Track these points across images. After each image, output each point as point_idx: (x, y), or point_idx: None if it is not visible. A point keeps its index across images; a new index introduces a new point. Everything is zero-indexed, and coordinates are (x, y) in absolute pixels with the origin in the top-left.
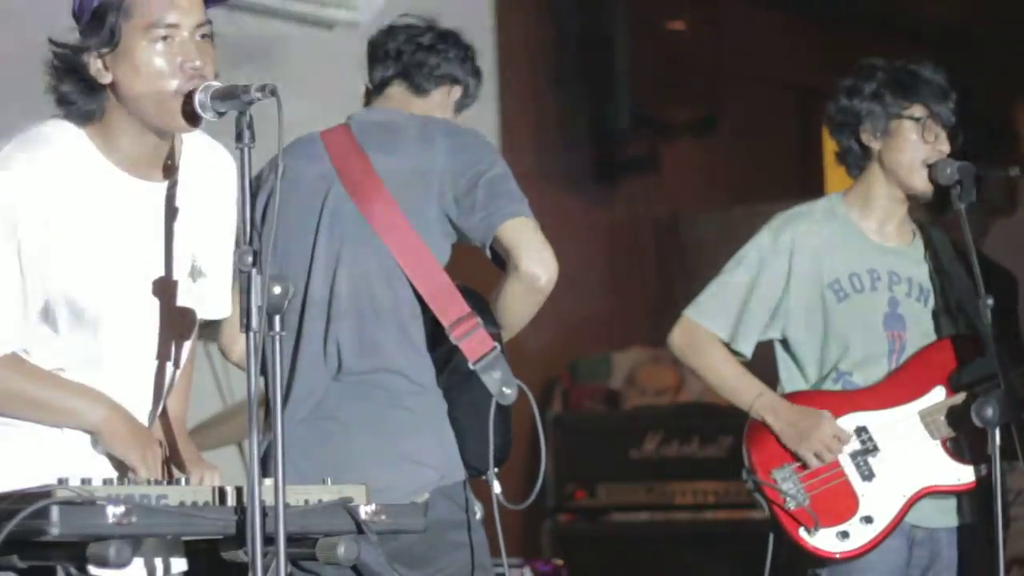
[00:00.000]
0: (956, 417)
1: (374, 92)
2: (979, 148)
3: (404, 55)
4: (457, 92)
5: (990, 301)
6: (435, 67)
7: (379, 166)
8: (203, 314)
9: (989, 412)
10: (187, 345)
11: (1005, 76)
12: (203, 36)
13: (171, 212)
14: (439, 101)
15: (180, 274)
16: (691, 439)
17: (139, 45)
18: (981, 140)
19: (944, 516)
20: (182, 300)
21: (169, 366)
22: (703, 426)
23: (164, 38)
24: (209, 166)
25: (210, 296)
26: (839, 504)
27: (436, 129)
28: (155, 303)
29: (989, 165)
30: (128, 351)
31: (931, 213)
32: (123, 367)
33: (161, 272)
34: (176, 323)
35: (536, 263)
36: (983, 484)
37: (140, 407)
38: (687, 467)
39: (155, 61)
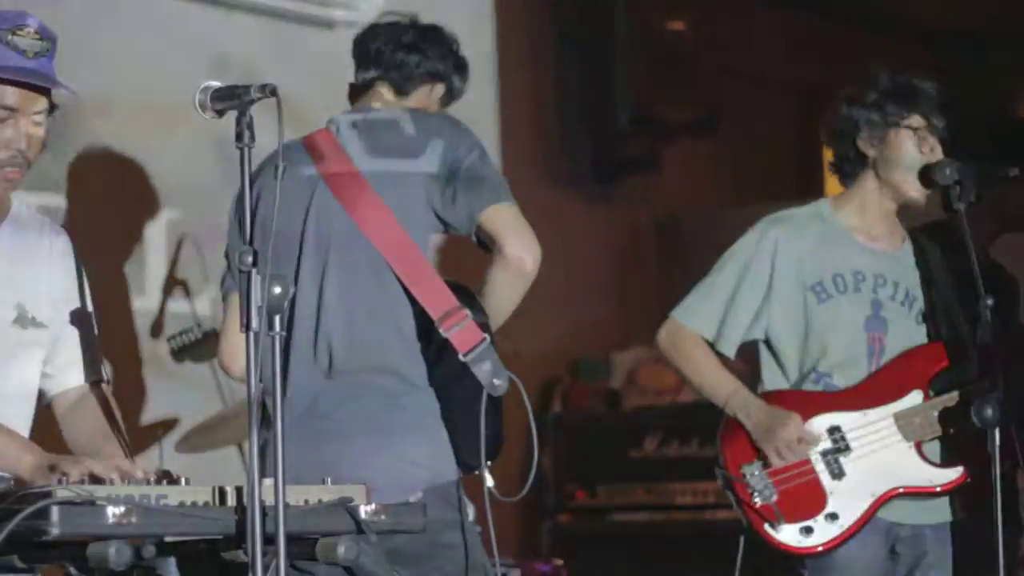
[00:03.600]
0: (932, 420)
1: (359, 92)
2: (979, 148)
3: (384, 55)
4: (440, 88)
5: (990, 301)
6: (416, 66)
7: (363, 166)
8: (43, 365)
9: (989, 412)
10: (26, 392)
11: (1005, 76)
12: (36, 122)
13: None
14: (421, 100)
15: (4, 320)
16: (691, 439)
17: None
18: (981, 140)
19: (929, 513)
20: (8, 345)
21: (5, 410)
22: (703, 426)
23: (1, 119)
24: (34, 229)
25: (49, 345)
26: (807, 500)
27: (411, 122)
28: None
29: (989, 165)
30: None
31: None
32: None
33: None
34: (5, 368)
35: (521, 248)
36: (977, 484)
37: None
38: (687, 467)
39: None
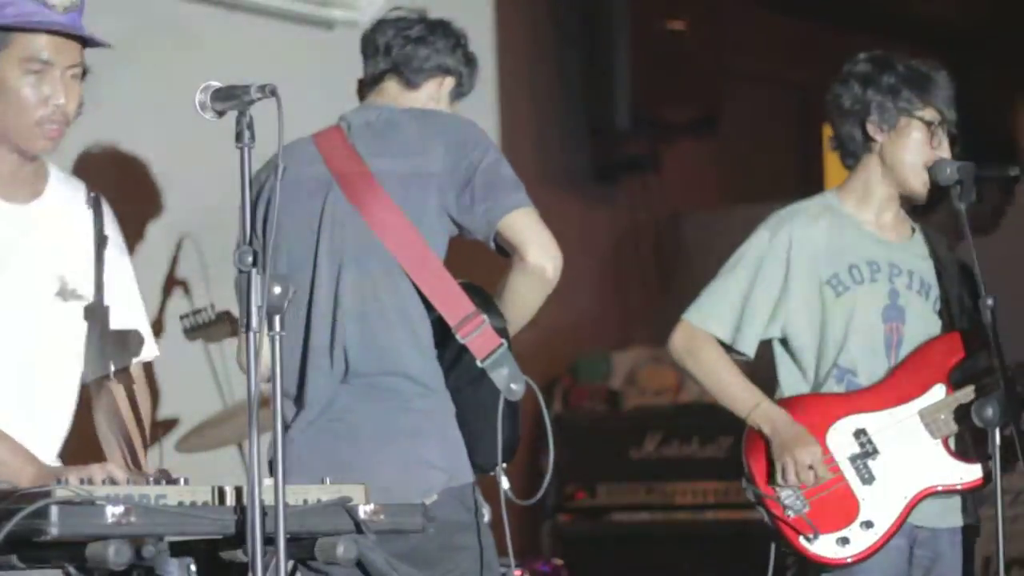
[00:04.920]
0: (957, 415)
1: (368, 87)
2: (978, 149)
3: (393, 49)
4: (450, 82)
5: (990, 301)
6: (425, 59)
7: (375, 168)
8: (83, 334)
9: (989, 412)
10: (71, 363)
11: (1005, 76)
12: (73, 76)
13: (37, 232)
14: (431, 93)
15: (47, 292)
16: (691, 439)
17: (13, 74)
18: (980, 140)
19: (947, 516)
20: (52, 318)
21: (51, 383)
22: (703, 426)
23: (36, 72)
24: (70, 197)
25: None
26: (840, 509)
27: (426, 123)
28: (23, 321)
29: (988, 165)
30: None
31: (916, 214)
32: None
33: (28, 290)
34: (50, 340)
35: (542, 255)
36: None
37: (29, 423)
38: (687, 467)
39: (24, 91)
